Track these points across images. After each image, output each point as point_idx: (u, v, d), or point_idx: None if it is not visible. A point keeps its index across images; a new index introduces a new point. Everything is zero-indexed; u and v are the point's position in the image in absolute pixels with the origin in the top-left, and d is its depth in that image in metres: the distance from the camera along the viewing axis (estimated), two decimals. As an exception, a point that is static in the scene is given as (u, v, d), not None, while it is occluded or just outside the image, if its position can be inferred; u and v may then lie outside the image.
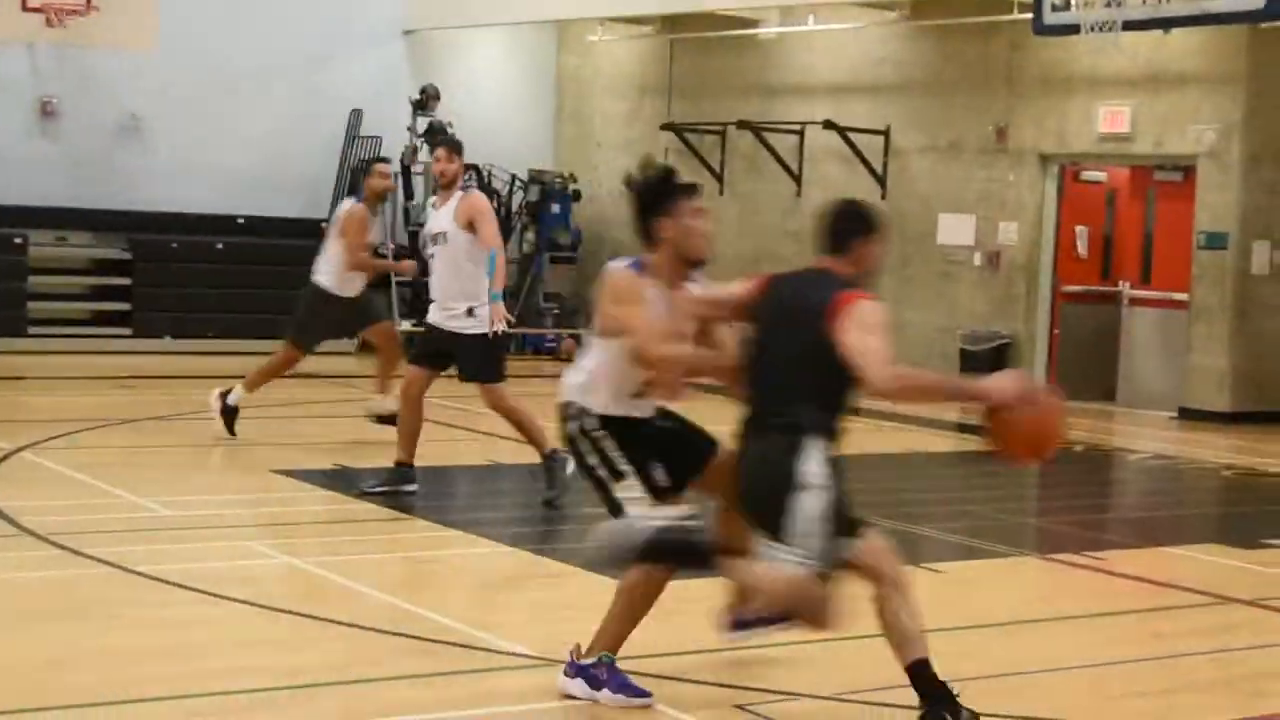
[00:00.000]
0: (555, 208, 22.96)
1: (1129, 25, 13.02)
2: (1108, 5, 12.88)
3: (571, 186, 23.22)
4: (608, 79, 23.93)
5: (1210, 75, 17.87)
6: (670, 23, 22.19)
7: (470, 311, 11.03)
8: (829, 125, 20.37)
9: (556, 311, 22.90)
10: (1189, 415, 17.71)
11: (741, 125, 21.39)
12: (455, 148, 11.54)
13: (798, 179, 21.21)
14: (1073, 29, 13.47)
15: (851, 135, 20.41)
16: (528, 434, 11.13)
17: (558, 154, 24.28)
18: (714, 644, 7.23)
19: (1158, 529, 11.80)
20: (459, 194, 11.29)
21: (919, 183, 20.36)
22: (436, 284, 11.23)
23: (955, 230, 19.93)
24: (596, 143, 23.94)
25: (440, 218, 11.24)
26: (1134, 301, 18.90)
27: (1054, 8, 13.58)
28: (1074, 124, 18.96)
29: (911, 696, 6.45)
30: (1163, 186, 18.93)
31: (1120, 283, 19.17)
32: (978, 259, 19.72)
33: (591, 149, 23.94)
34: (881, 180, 20.54)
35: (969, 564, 10.02)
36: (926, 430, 16.07)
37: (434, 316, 11.23)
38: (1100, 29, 12.99)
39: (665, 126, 22.42)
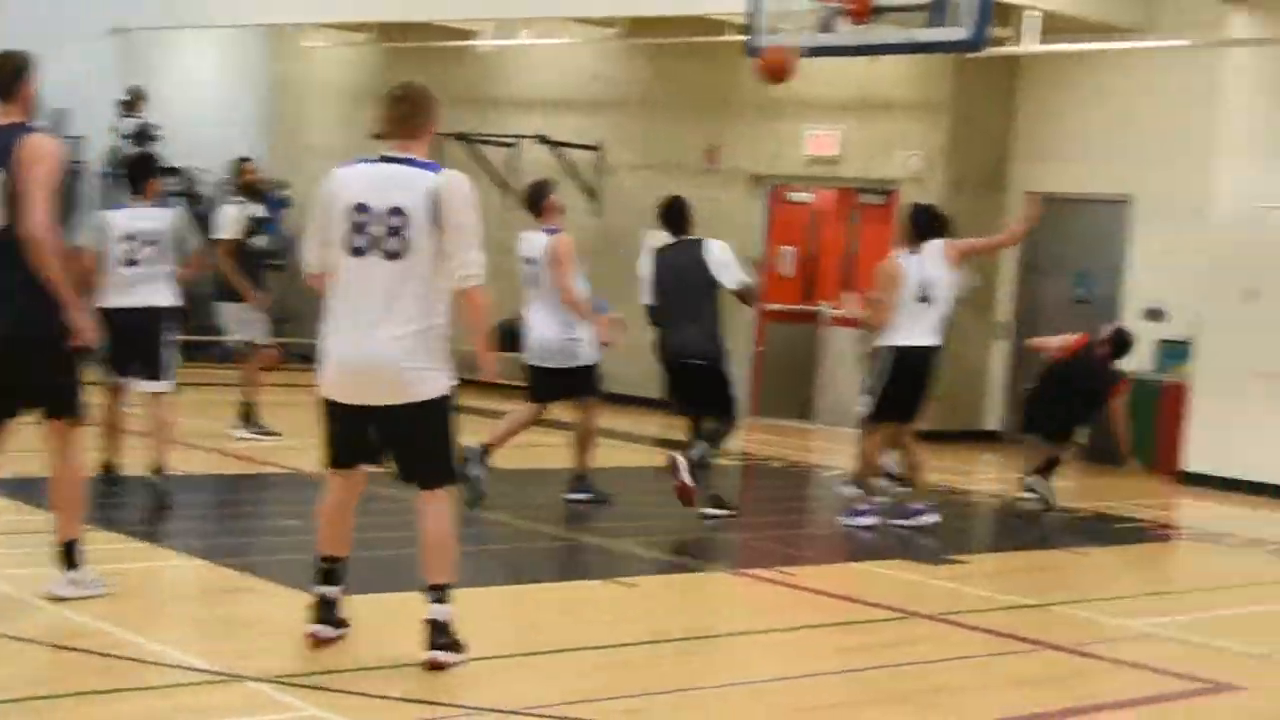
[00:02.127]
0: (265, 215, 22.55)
1: (839, 51, 13.24)
2: (819, 31, 13.08)
3: (282, 193, 22.88)
4: (322, 86, 23.69)
5: (917, 102, 18.35)
6: (387, 31, 22.04)
7: None
8: (542, 140, 20.42)
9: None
10: (887, 434, 18.07)
11: (456, 137, 21.32)
12: None
13: (510, 191, 21.19)
14: (783, 53, 13.68)
15: (565, 150, 20.49)
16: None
17: (269, 160, 23.92)
18: (405, 659, 7.17)
19: (849, 545, 12.03)
20: None
21: (632, 200, 20.49)
22: None
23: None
24: (309, 149, 23.65)
25: None
26: (834, 321, 19.27)
27: (767, 31, 13.74)
28: (784, 146, 19.31)
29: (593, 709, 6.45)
30: (866, 209, 19.35)
31: (821, 302, 19.52)
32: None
33: (304, 156, 23.64)
34: (595, 196, 20.66)
35: (661, 578, 10.10)
36: (624, 444, 16.18)
37: None
38: (810, 54, 13.18)
39: (378, 136, 22.19)
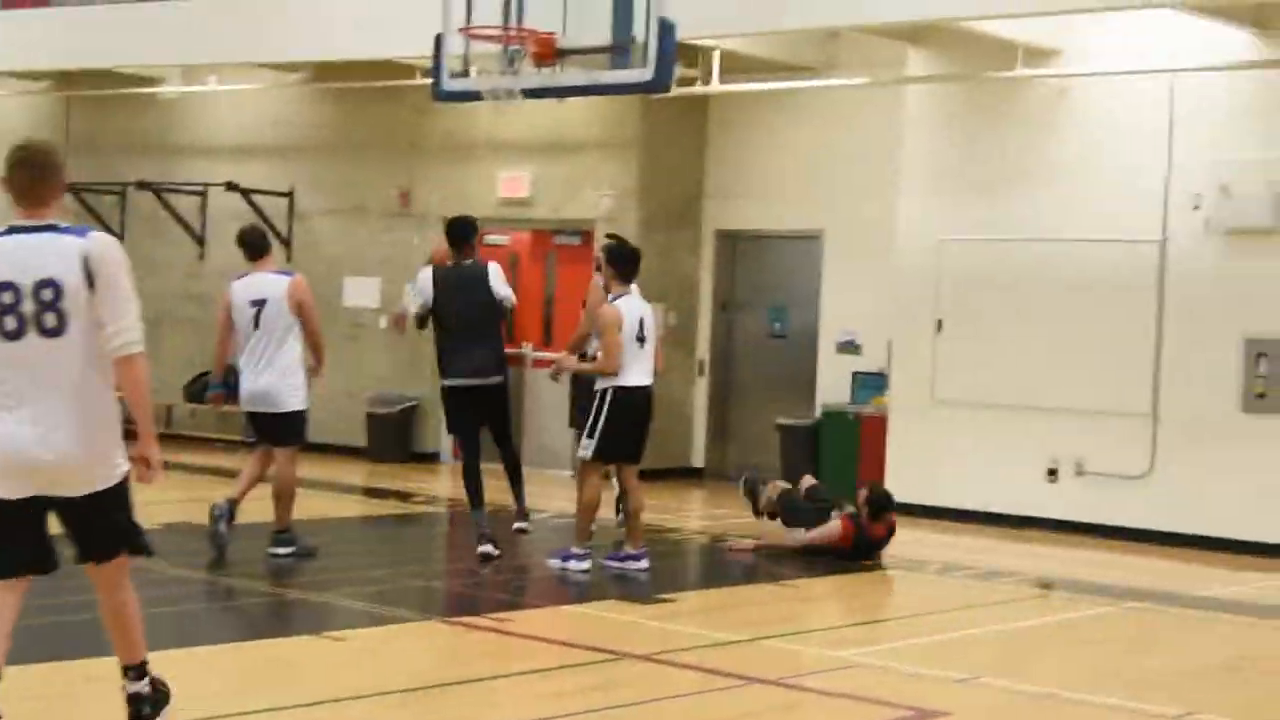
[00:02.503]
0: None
1: (526, 94, 13.24)
2: (504, 74, 13.06)
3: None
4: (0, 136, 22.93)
5: (606, 142, 18.49)
6: (67, 79, 21.42)
7: None
8: (231, 187, 20.06)
9: None
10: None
11: (142, 186, 20.83)
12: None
13: (201, 240, 20.81)
14: (473, 96, 13.61)
15: (255, 197, 20.16)
16: None
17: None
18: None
19: (560, 588, 11.99)
20: None
21: (324, 245, 20.29)
22: None
23: (360, 293, 19.96)
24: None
25: None
26: (536, 363, 19.26)
27: (453, 75, 13.67)
28: (476, 188, 19.27)
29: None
30: (562, 250, 19.41)
31: (523, 344, 19.51)
32: (383, 322, 19.77)
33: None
34: (287, 242, 20.36)
35: (371, 631, 9.92)
36: (328, 494, 15.95)
37: None
38: (497, 97, 13.16)
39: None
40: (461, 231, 12.88)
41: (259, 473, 12.31)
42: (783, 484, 14.46)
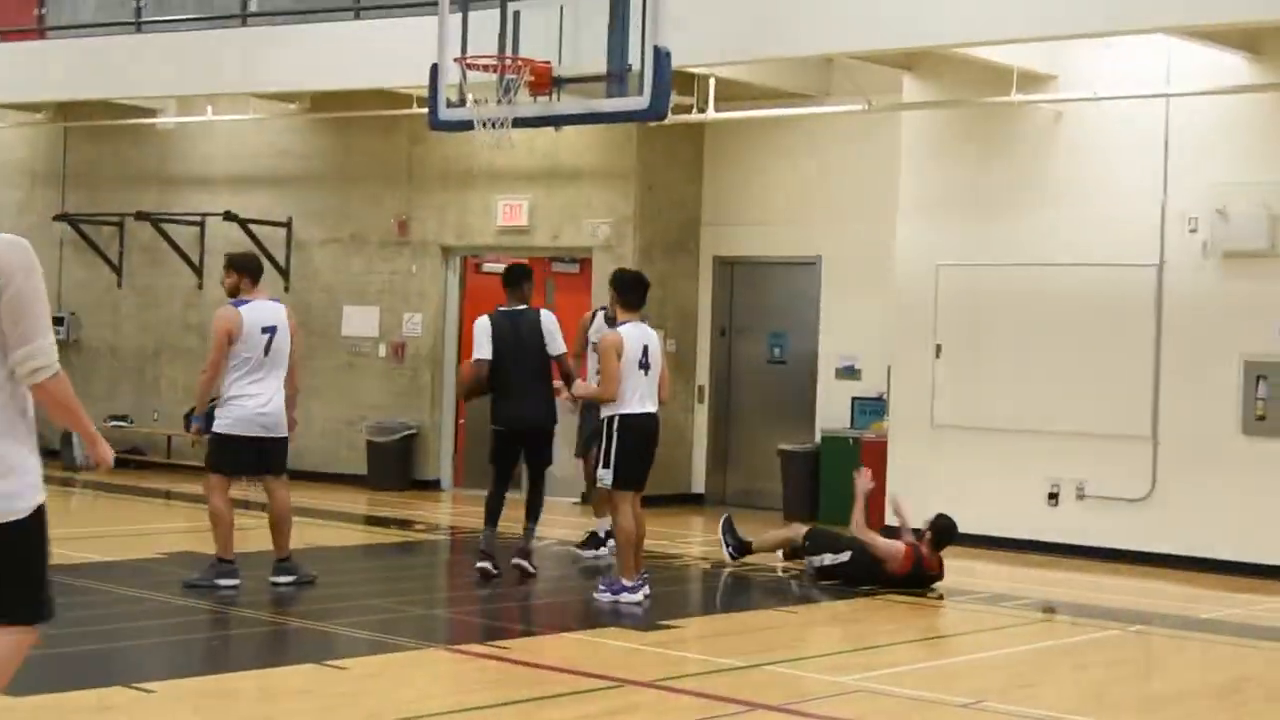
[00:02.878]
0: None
1: (521, 123, 13.26)
2: (499, 103, 13.09)
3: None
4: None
5: (603, 170, 18.52)
6: (64, 110, 21.46)
7: None
8: (229, 217, 20.09)
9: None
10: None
11: (140, 216, 20.86)
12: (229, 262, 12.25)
13: (199, 270, 20.83)
14: (467, 125, 13.63)
15: (253, 227, 20.19)
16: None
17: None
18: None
19: (561, 615, 11.98)
20: None
21: (322, 275, 20.31)
22: None
23: (359, 322, 19.97)
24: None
25: None
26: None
27: (449, 104, 13.70)
28: (474, 216, 19.32)
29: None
30: (560, 278, 19.44)
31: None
32: (382, 350, 19.79)
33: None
34: (285, 272, 20.39)
35: (373, 659, 9.90)
36: (328, 523, 15.95)
37: None
38: (493, 126, 13.18)
39: (59, 217, 21.66)
40: (513, 277, 13.03)
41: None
42: (799, 525, 14.37)
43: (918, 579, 13.23)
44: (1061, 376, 15.61)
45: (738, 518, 14.76)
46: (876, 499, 14.76)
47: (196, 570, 12.08)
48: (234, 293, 12.18)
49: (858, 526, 13.46)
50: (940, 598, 13.05)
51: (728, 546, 14.30)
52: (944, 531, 13.42)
